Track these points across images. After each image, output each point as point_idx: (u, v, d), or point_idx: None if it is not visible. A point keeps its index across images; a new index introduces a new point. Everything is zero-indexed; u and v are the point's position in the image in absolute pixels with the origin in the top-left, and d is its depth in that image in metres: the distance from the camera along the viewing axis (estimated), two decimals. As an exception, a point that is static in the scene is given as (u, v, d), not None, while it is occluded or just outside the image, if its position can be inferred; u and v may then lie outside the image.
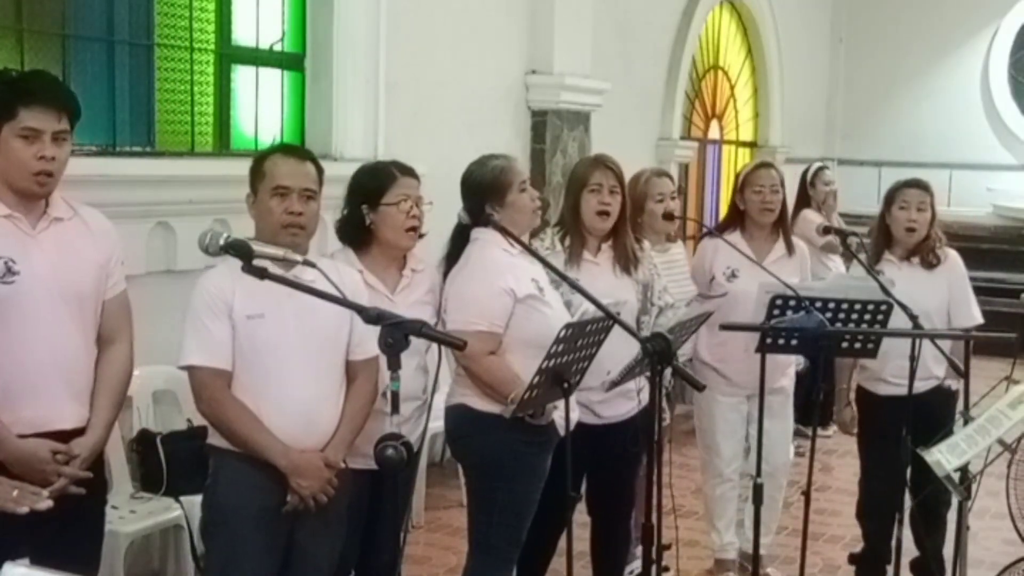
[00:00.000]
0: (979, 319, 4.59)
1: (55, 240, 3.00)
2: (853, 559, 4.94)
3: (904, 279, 4.30)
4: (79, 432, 3.03)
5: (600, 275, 3.97)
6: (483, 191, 3.63)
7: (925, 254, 4.53)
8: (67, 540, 2.92)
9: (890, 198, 4.59)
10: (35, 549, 2.92)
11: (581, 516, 4.14)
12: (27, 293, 2.90)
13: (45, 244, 2.97)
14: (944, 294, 4.51)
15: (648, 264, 4.17)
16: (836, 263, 6.77)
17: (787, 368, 4.72)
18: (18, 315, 2.89)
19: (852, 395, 4.76)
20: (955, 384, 4.45)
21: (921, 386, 4.19)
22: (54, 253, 2.98)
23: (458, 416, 3.69)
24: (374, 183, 3.51)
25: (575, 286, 3.32)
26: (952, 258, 4.59)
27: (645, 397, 3.94)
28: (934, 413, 4.23)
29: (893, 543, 4.12)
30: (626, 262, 4.05)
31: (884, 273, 4.34)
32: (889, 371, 4.43)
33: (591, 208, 3.99)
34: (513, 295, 3.54)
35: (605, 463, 4.01)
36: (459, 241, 3.69)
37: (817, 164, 7.69)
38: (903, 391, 4.13)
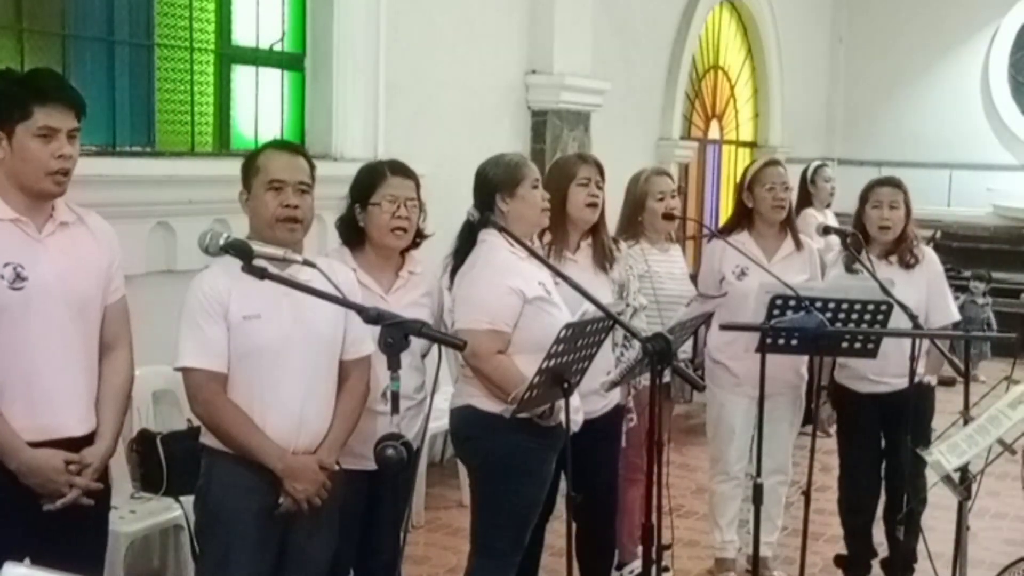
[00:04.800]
0: (956, 316, 4.68)
1: (61, 245, 2.98)
2: (839, 561, 4.92)
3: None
4: (87, 439, 3.01)
5: (578, 273, 3.93)
6: (496, 183, 3.64)
7: (903, 254, 4.55)
8: (70, 543, 2.92)
9: (864, 197, 4.63)
10: (37, 552, 2.93)
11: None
12: (35, 299, 2.88)
13: (52, 249, 2.95)
14: (923, 293, 4.52)
15: (624, 264, 4.19)
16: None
17: (799, 367, 4.71)
18: (26, 321, 2.87)
19: (827, 393, 4.76)
20: (933, 379, 4.49)
21: (898, 383, 4.25)
22: (60, 259, 2.96)
23: (464, 417, 3.67)
24: (364, 182, 3.51)
25: (575, 286, 3.31)
26: (929, 256, 4.63)
27: (615, 395, 3.95)
28: (913, 408, 4.24)
29: (892, 542, 4.13)
30: (603, 260, 4.09)
31: (864, 273, 4.35)
32: (870, 369, 4.42)
33: (580, 200, 4.02)
34: (522, 295, 3.53)
35: (582, 461, 3.97)
36: (467, 239, 3.68)
37: (816, 162, 7.70)
38: (882, 388, 4.17)
